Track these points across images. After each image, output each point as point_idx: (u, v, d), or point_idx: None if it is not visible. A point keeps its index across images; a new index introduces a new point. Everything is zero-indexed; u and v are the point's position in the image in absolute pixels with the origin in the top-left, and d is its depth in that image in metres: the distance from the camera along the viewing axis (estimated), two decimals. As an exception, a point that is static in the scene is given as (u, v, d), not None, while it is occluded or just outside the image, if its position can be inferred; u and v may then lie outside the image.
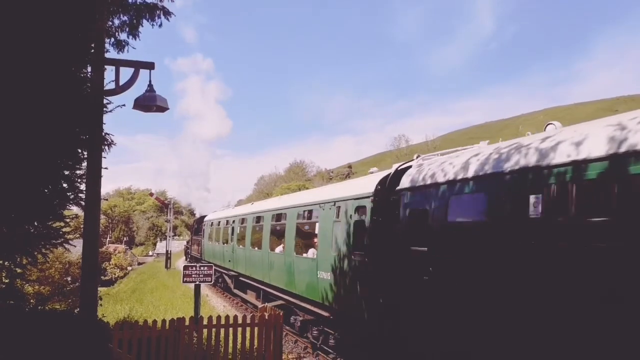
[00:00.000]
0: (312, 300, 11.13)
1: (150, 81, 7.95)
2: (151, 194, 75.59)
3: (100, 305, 8.45)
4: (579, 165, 4.86)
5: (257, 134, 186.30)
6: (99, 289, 8.25)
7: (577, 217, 4.80)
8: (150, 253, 79.06)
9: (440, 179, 7.05)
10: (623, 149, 4.44)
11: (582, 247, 4.71)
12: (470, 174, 6.42)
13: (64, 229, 7.18)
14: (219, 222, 23.68)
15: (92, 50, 7.22)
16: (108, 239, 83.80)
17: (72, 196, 7.04)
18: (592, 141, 4.86)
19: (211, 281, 9.90)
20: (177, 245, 64.78)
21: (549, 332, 5.05)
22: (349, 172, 62.91)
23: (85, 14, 6.10)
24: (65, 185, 7.02)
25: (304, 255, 12.00)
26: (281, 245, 13.74)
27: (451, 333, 6.62)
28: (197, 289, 9.42)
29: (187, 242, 46.42)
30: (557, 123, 6.50)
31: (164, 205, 67.54)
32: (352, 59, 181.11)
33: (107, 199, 78.90)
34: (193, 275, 9.52)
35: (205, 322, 8.33)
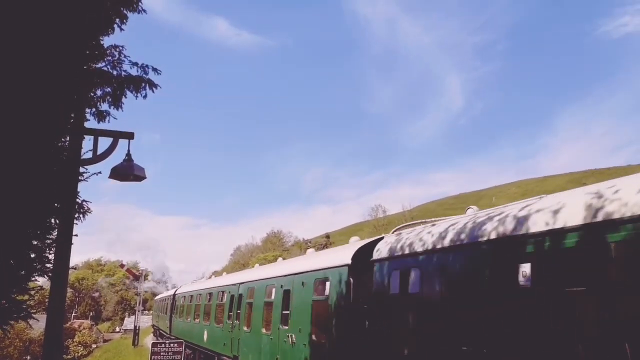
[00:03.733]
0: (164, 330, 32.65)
1: (128, 150, 7.95)
2: (122, 266, 73.04)
3: (60, 386, 7.82)
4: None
5: (235, 203, 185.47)
6: (60, 368, 7.66)
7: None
8: (118, 329, 74.87)
9: (185, 289, 27.06)
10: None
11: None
12: (183, 290, 27.95)
13: (28, 303, 6.78)
14: (158, 300, 43.47)
15: (72, 120, 7.25)
16: (73, 314, 79.44)
17: (39, 267, 6.73)
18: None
19: (181, 359, 9.34)
20: (147, 320, 61.56)
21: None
22: (326, 242, 62.32)
23: (67, 86, 6.19)
24: (32, 255, 6.72)
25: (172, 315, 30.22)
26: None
27: None
28: (167, 368, 8.87)
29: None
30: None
31: (135, 278, 65.11)
32: (329, 131, 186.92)
33: (75, 268, 75.82)
34: (162, 353, 8.99)
35: (174, 404, 7.77)
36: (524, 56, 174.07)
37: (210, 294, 18.52)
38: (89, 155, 7.69)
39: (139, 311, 48.90)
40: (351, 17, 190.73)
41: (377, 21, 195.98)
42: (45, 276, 7.03)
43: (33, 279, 7.01)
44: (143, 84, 8.54)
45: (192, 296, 23.09)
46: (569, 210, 4.89)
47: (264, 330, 12.33)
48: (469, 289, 5.98)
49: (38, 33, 5.11)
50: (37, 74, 5.30)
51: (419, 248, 7.20)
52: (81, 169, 7.59)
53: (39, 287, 7.13)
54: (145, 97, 8.69)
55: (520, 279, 5.12)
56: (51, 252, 7.05)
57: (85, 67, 7.14)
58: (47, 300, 7.42)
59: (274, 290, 12.23)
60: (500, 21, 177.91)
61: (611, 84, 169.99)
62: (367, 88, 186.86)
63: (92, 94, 8.14)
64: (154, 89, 8.64)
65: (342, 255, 9.36)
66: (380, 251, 8.40)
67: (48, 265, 6.95)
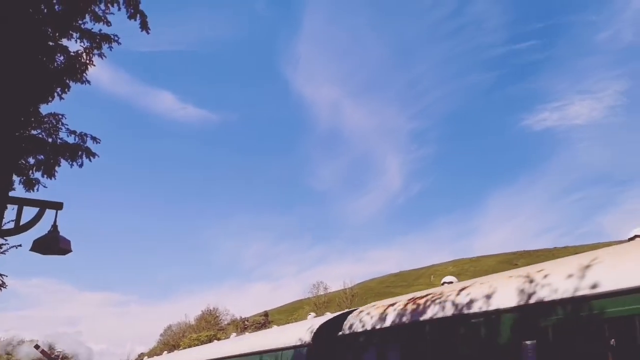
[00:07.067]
0: None
1: (55, 221, 7.48)
2: (37, 347, 65.82)
3: None
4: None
5: (168, 279, 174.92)
6: None
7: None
8: (23, 422, 65.73)
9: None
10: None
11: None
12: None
13: None
14: None
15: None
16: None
17: None
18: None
19: None
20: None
21: None
22: (265, 320, 59.91)
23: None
24: None
25: None
26: None
27: None
28: None
29: None
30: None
31: (50, 360, 58.64)
32: (270, 205, 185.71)
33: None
34: None
35: None
36: (456, 143, 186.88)
37: None
38: (11, 225, 7.17)
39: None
40: (297, 97, 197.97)
41: (322, 103, 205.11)
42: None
43: None
44: (80, 153, 8.27)
45: None
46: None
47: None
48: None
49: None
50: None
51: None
52: (0, 241, 7.04)
53: None
54: (81, 165, 8.37)
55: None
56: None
57: (17, 133, 6.86)
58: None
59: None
60: (433, 111, 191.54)
61: (534, 172, 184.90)
62: (310, 165, 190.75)
63: (23, 162, 7.75)
64: (91, 157, 8.37)
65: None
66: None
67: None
